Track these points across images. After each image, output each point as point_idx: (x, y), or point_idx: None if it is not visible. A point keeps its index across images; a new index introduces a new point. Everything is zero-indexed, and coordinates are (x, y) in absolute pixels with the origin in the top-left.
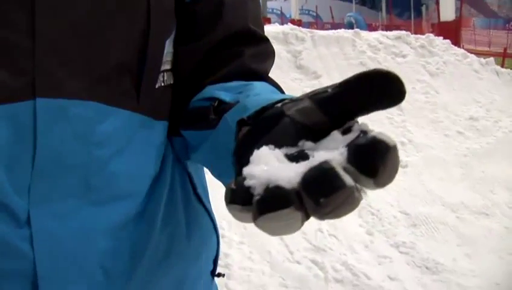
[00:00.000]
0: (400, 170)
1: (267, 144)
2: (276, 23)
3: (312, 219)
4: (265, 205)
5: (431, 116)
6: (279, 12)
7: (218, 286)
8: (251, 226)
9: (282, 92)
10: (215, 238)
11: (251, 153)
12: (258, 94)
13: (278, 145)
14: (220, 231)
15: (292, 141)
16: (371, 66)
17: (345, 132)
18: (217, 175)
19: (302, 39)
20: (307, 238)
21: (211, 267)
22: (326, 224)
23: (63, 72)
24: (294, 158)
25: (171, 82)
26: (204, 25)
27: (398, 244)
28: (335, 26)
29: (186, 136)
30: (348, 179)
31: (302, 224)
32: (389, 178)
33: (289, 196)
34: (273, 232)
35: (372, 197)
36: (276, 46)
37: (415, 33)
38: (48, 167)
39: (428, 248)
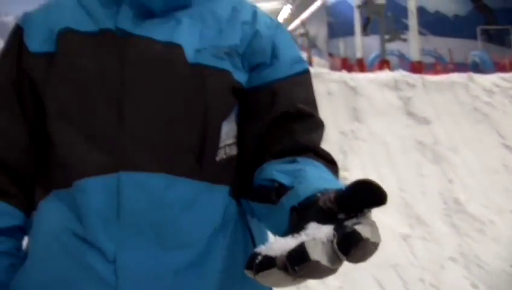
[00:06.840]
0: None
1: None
2: (399, 70)
3: (418, 272)
4: (258, 267)
5: None
6: (398, 54)
7: None
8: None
9: (331, 160)
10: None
11: None
12: (308, 181)
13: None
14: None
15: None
16: (485, 111)
17: (346, 218)
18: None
19: (412, 85)
20: (407, 287)
21: None
22: (429, 274)
23: (142, 152)
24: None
25: (235, 153)
26: (262, 110)
27: None
28: (457, 67)
29: (252, 206)
30: (314, 255)
31: (293, 280)
32: (360, 259)
33: (273, 261)
34: (271, 284)
35: (479, 249)
36: (386, 93)
37: None
38: (130, 223)
39: None
